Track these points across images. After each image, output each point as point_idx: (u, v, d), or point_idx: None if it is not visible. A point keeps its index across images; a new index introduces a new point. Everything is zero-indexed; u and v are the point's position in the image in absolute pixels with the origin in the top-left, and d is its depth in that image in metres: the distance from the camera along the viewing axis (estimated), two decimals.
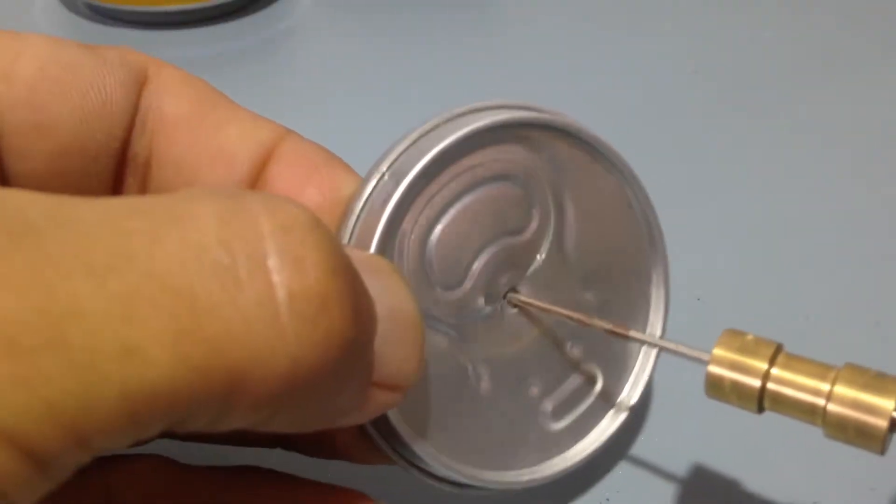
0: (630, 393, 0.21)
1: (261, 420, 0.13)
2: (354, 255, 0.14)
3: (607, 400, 0.21)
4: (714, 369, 0.17)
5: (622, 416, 0.21)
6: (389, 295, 0.15)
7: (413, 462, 0.18)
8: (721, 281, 0.27)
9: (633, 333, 0.19)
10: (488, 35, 0.42)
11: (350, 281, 0.13)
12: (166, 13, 0.41)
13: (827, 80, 0.37)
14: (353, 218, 0.17)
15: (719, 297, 0.27)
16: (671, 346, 0.18)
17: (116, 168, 0.18)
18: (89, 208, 0.12)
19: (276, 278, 0.12)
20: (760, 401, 0.17)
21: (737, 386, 0.17)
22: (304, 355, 0.12)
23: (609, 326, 0.19)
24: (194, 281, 0.11)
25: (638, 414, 0.23)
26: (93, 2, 0.41)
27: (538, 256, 0.19)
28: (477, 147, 0.18)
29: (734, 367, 0.17)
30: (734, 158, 0.33)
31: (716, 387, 0.17)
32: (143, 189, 0.19)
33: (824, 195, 0.31)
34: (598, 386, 0.20)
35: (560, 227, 0.19)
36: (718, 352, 0.17)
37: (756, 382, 0.16)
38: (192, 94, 0.18)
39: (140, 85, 0.18)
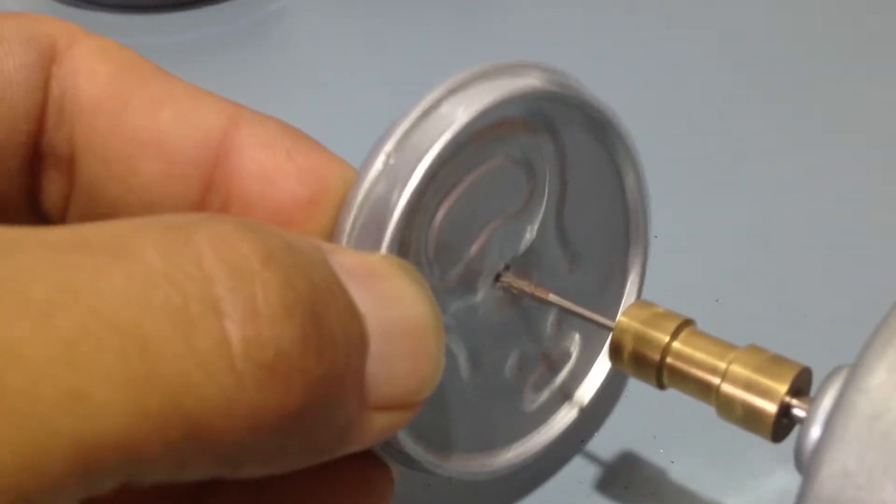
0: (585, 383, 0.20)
1: (229, 469, 0.12)
2: (346, 261, 0.13)
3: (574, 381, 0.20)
4: (617, 338, 0.17)
5: (576, 409, 0.20)
6: (388, 305, 0.13)
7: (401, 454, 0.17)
8: (740, 283, 0.27)
9: (552, 297, 0.18)
10: (487, 13, 0.42)
11: (317, 312, 0.12)
12: None
13: (848, 81, 0.36)
14: (353, 212, 0.15)
15: (738, 299, 0.26)
16: (579, 310, 0.18)
17: (30, 164, 0.16)
18: (26, 239, 0.11)
19: (229, 324, 0.11)
20: (659, 375, 0.16)
21: (637, 357, 0.16)
22: (265, 402, 0.11)
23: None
24: (144, 320, 0.10)
25: (637, 413, 0.23)
26: None
27: (528, 235, 0.18)
28: (487, 122, 0.16)
29: (637, 337, 0.16)
30: (755, 159, 0.32)
31: (617, 356, 0.17)
32: (70, 185, 0.17)
33: (849, 195, 0.30)
34: (572, 362, 0.20)
35: (554, 205, 0.18)
36: (624, 320, 0.17)
37: (655, 355, 0.16)
38: (112, 71, 0.16)
39: (48, 64, 0.16)
